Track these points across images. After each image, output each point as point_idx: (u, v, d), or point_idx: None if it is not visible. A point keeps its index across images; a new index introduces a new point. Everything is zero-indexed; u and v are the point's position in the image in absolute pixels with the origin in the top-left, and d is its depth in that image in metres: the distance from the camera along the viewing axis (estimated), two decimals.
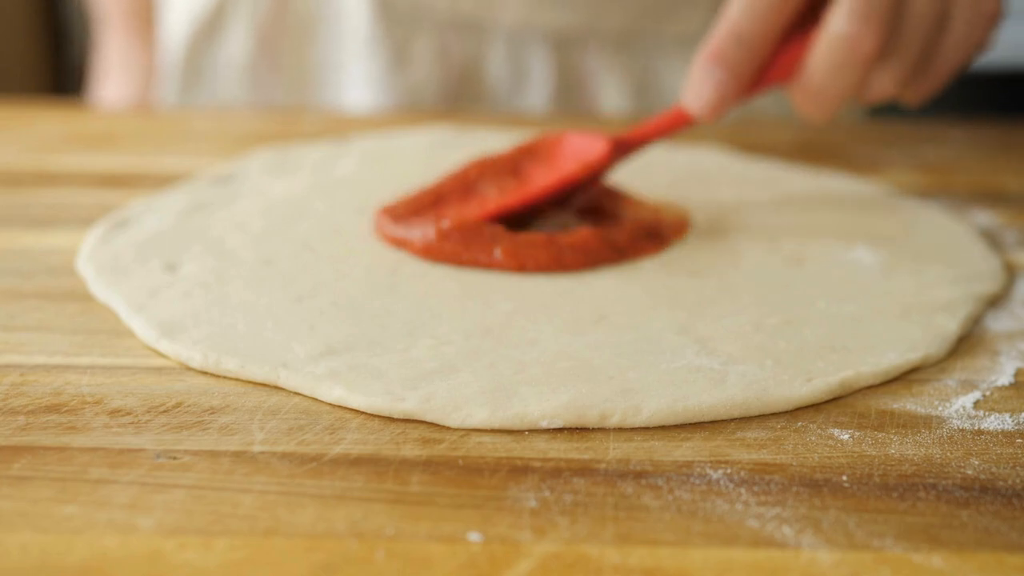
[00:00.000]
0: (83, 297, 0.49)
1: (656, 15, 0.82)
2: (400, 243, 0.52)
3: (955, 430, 0.40)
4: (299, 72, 0.85)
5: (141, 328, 0.46)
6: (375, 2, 0.81)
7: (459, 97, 0.83)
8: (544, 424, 0.39)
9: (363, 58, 0.83)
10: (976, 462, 0.38)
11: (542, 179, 0.55)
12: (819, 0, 0.55)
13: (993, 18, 0.57)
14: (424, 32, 0.82)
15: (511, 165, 0.57)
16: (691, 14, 0.82)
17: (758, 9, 0.53)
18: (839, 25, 0.53)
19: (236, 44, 0.85)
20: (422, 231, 0.52)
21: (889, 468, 0.37)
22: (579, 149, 0.56)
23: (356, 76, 0.84)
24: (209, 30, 0.85)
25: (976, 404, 0.42)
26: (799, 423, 0.40)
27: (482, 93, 0.83)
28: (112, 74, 0.97)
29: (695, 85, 0.54)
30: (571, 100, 0.84)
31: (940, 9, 0.55)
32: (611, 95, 0.84)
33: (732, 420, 0.40)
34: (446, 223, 0.51)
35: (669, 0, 0.82)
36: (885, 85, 0.56)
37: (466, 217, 0.52)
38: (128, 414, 0.40)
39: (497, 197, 0.54)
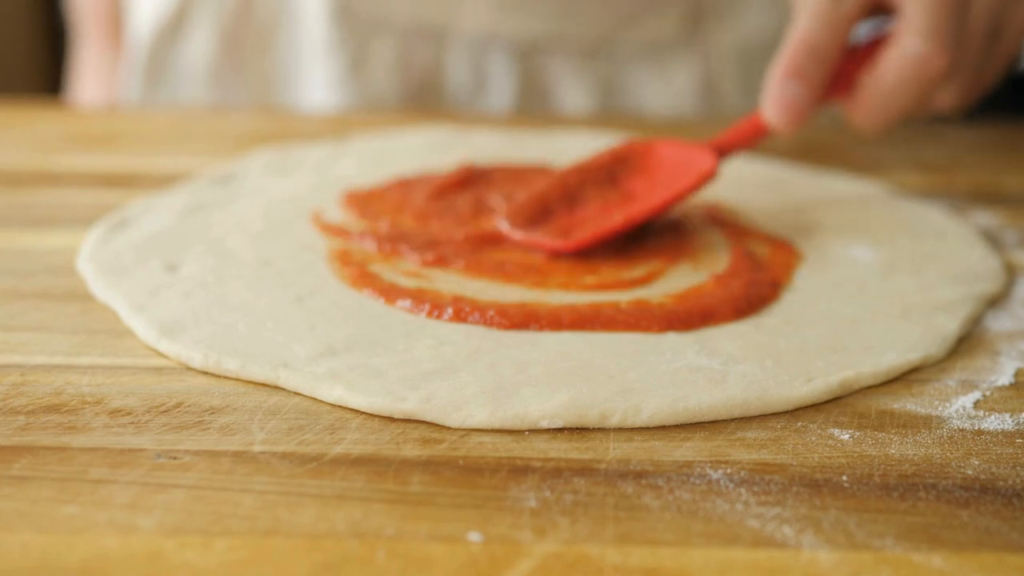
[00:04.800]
0: (83, 297, 0.49)
1: (623, 24, 0.82)
2: (529, 246, 0.54)
3: (955, 430, 0.40)
4: (261, 74, 0.85)
5: (141, 328, 0.46)
6: (334, 7, 0.81)
7: (419, 102, 0.83)
8: (544, 424, 0.39)
9: (323, 61, 0.83)
10: (976, 462, 0.38)
11: (650, 192, 0.56)
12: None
13: None
14: (384, 37, 0.82)
15: (606, 173, 0.58)
16: (658, 23, 0.82)
17: (831, 24, 0.55)
18: (912, 44, 0.54)
19: (199, 45, 0.85)
20: (546, 239, 0.54)
21: (889, 468, 0.37)
22: (683, 160, 0.56)
23: (316, 79, 0.84)
24: (172, 30, 0.85)
25: (976, 404, 0.42)
26: (799, 423, 0.40)
27: (442, 98, 0.84)
28: (87, 78, 0.98)
29: (775, 100, 0.55)
30: (533, 107, 0.84)
31: (996, 24, 0.57)
32: (575, 102, 0.83)
33: (732, 420, 0.40)
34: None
35: (636, 9, 0.82)
36: (946, 99, 0.58)
37: (598, 229, 0.54)
38: (128, 414, 0.40)
39: (602, 208, 0.56)
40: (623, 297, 0.49)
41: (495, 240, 0.55)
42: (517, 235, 0.54)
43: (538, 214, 0.56)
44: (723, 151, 0.57)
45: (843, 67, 0.57)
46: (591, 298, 0.49)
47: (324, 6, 0.81)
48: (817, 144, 0.74)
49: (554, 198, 0.57)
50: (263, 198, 0.61)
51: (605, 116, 0.82)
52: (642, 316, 0.46)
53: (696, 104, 0.85)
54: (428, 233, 0.55)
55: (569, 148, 0.69)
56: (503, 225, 0.55)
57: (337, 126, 0.76)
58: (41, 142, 0.72)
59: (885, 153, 0.73)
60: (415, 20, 0.81)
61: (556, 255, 0.53)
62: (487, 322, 0.46)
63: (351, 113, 0.82)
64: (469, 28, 0.81)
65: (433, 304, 0.47)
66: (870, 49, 0.57)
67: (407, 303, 0.48)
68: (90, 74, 0.98)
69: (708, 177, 0.54)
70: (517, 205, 0.56)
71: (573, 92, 0.83)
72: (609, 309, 0.47)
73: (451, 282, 0.50)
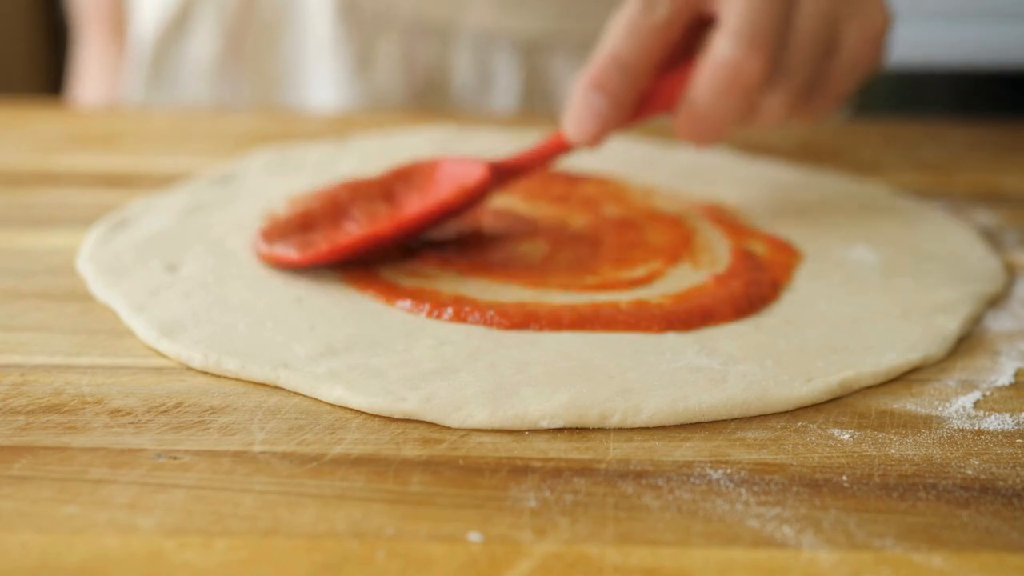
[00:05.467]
0: (83, 297, 0.49)
1: None
2: (272, 261, 0.51)
3: (955, 430, 0.40)
4: (265, 72, 0.85)
5: (141, 328, 0.46)
6: (338, 4, 0.81)
7: (424, 99, 0.83)
8: (544, 424, 0.39)
9: (327, 59, 0.83)
10: (976, 462, 0.38)
11: (416, 205, 0.53)
12: (702, 29, 0.54)
13: (883, 35, 0.55)
14: (389, 35, 0.82)
15: (383, 190, 0.55)
16: None
17: (640, 35, 0.52)
18: (723, 50, 0.51)
19: (202, 43, 0.85)
20: (289, 253, 0.50)
21: (889, 468, 0.37)
22: (455, 174, 0.54)
23: (320, 77, 0.84)
24: (176, 29, 0.85)
25: (976, 404, 0.42)
26: (799, 423, 0.40)
27: (448, 96, 0.84)
28: (89, 76, 0.98)
29: (575, 112, 0.52)
30: (538, 104, 0.84)
31: (828, 33, 0.53)
32: None
33: (732, 420, 0.40)
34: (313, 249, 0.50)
35: None
36: (774, 110, 0.54)
37: (336, 242, 0.50)
38: (128, 414, 0.40)
39: (367, 222, 0.53)
40: (623, 297, 0.49)
41: (495, 240, 0.55)
42: (262, 248, 0.51)
43: (297, 230, 0.52)
44: (504, 169, 0.53)
45: (667, 81, 0.53)
46: (591, 298, 0.49)
47: (328, 4, 0.81)
48: (817, 144, 0.74)
49: (319, 214, 0.53)
50: (263, 198, 0.61)
51: None
52: (642, 316, 0.46)
53: None
54: (427, 234, 0.55)
55: None
56: (256, 242, 0.52)
57: (339, 126, 0.76)
58: (41, 142, 0.72)
59: (885, 153, 0.73)
60: (419, 17, 0.81)
61: (293, 267, 0.50)
62: (487, 322, 0.46)
63: (353, 113, 0.82)
64: (473, 25, 0.81)
65: (433, 304, 0.47)
66: (688, 63, 0.54)
67: (407, 303, 0.48)
68: (92, 73, 0.98)
69: (470, 193, 0.51)
70: (276, 221, 0.53)
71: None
72: (609, 309, 0.47)
73: (451, 282, 0.50)
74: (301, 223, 0.53)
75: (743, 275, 0.50)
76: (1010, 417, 0.41)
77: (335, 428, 0.39)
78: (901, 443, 0.39)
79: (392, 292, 0.48)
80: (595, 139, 0.53)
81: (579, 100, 0.52)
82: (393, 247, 0.52)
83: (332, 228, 0.52)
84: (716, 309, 0.47)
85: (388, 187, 0.55)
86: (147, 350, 0.45)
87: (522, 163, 0.54)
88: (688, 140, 0.54)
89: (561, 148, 0.54)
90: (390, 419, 0.40)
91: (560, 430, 0.39)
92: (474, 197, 0.52)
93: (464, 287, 0.50)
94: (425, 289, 0.49)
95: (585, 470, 0.37)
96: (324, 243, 0.50)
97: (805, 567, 0.32)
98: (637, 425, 0.40)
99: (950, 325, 0.47)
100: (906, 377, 0.44)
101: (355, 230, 0.52)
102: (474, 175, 0.52)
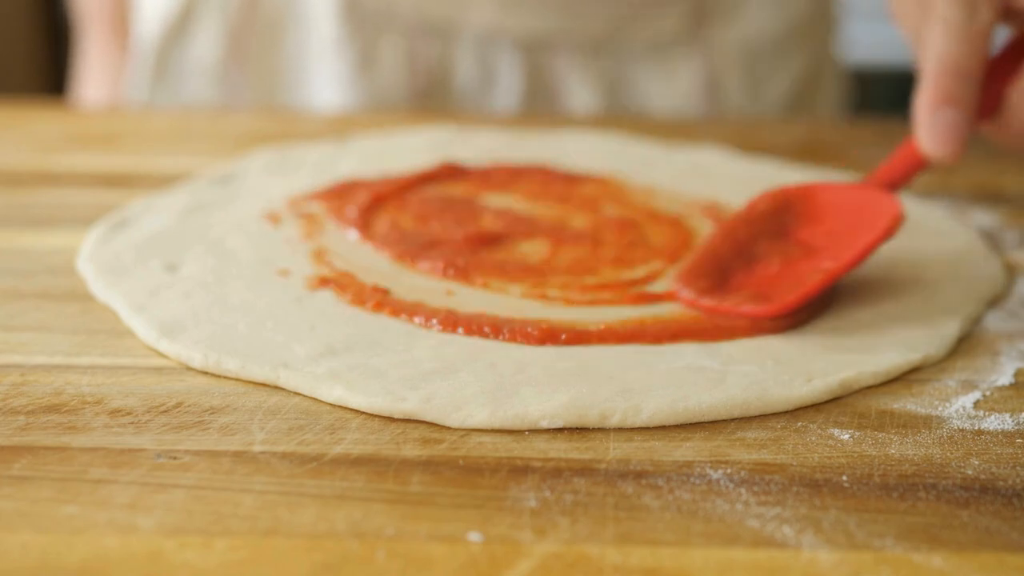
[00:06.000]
0: (83, 297, 0.49)
1: (626, 22, 0.82)
2: (726, 314, 0.48)
3: (955, 430, 0.40)
4: (268, 72, 0.86)
5: (141, 328, 0.46)
6: (342, 4, 0.81)
7: (427, 99, 0.84)
8: (544, 424, 0.39)
9: (330, 59, 0.83)
10: (976, 462, 0.38)
11: (829, 242, 0.51)
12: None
13: None
14: (391, 34, 0.82)
15: (773, 225, 0.53)
16: (661, 21, 0.82)
17: (971, 39, 0.50)
18: None
19: (205, 44, 0.85)
20: (748, 307, 0.47)
21: (889, 468, 0.37)
22: (857, 205, 0.52)
23: (324, 77, 0.84)
24: (178, 29, 0.85)
25: (976, 404, 0.42)
26: (799, 423, 0.40)
27: (450, 96, 0.84)
28: (92, 75, 0.98)
29: (932, 132, 0.50)
30: (540, 104, 0.84)
31: None
32: (581, 99, 0.83)
33: (732, 420, 0.40)
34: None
35: (638, 8, 0.82)
36: None
37: (797, 292, 0.48)
38: (128, 414, 0.40)
39: (785, 264, 0.51)
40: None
41: (494, 240, 0.55)
42: (707, 302, 0.48)
43: (716, 274, 0.50)
44: (895, 189, 0.52)
45: (986, 85, 0.51)
46: (601, 310, 0.48)
47: (331, 4, 0.82)
48: (817, 144, 0.74)
49: (727, 255, 0.51)
50: (263, 198, 0.61)
51: (609, 116, 0.82)
52: (664, 329, 0.46)
53: (700, 103, 0.85)
54: (428, 234, 0.55)
55: (570, 150, 0.69)
56: (683, 291, 0.49)
57: (339, 126, 0.76)
58: (41, 142, 0.72)
59: (885, 153, 0.73)
60: (422, 16, 0.81)
61: (757, 321, 0.47)
62: (508, 339, 0.45)
63: (353, 113, 0.82)
64: (475, 24, 0.81)
65: (445, 321, 0.46)
66: (1006, 60, 0.51)
67: (419, 318, 0.47)
68: (95, 73, 0.98)
69: (900, 221, 0.49)
70: (690, 266, 0.51)
71: (579, 90, 0.83)
72: (635, 325, 0.46)
73: (463, 291, 0.50)
74: (715, 267, 0.51)
75: None
76: (1010, 417, 0.41)
77: (335, 428, 0.39)
78: (901, 443, 0.39)
79: (398, 308, 0.48)
80: (958, 153, 0.51)
81: (930, 120, 0.50)
82: None
83: (749, 272, 0.50)
84: None
85: (775, 221, 0.53)
86: (147, 350, 0.45)
87: (899, 183, 0.52)
88: (1017, 145, 0.53)
89: (923, 164, 0.52)
90: (390, 419, 0.40)
91: (560, 430, 0.39)
92: (899, 227, 0.50)
93: (470, 292, 0.49)
94: (436, 306, 0.48)
95: (585, 470, 0.37)
96: (758, 290, 0.49)
97: (805, 567, 0.32)
98: (637, 425, 0.40)
99: (950, 325, 0.47)
100: (906, 377, 0.44)
101: (775, 271, 0.50)
102: (891, 204, 0.50)
